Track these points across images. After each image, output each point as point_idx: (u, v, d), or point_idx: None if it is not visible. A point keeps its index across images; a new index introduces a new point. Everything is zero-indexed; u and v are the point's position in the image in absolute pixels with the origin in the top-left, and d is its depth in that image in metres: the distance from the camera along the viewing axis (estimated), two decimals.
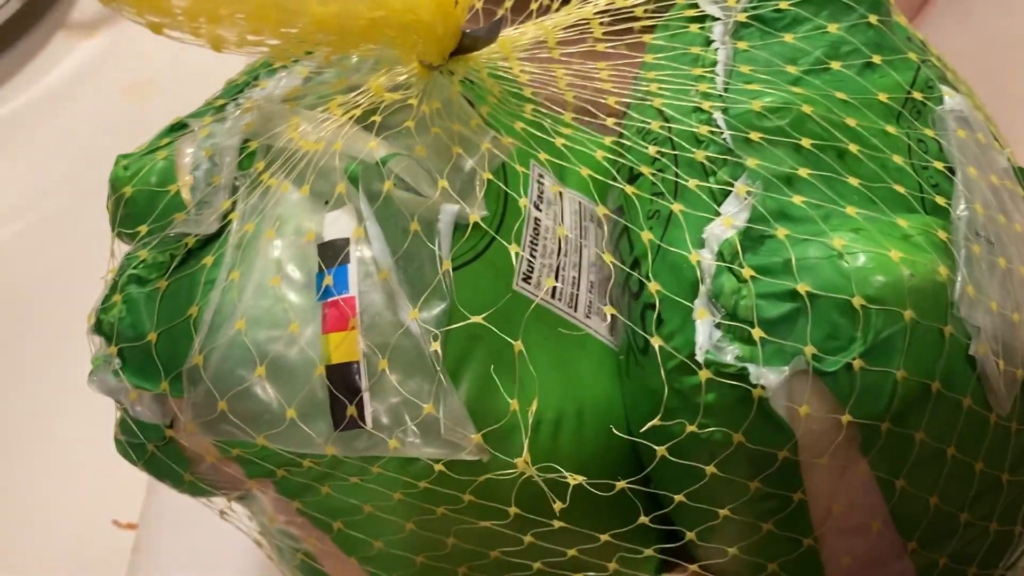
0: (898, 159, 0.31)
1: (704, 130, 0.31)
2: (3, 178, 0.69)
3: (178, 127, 0.36)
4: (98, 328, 0.33)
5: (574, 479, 0.30)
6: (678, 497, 0.31)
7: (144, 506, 0.52)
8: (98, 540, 0.53)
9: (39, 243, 0.66)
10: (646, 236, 0.31)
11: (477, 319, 0.30)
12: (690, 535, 0.32)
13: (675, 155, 0.32)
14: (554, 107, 0.34)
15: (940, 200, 0.31)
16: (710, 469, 0.30)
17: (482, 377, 0.31)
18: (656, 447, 0.30)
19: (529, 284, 0.34)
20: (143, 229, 0.33)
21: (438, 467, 0.30)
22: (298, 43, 0.28)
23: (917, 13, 0.59)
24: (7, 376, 0.60)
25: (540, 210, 0.35)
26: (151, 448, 0.33)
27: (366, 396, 0.30)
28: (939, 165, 0.32)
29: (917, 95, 0.33)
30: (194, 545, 0.50)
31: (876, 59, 0.33)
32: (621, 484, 0.30)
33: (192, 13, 0.26)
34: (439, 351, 0.30)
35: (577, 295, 0.35)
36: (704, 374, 0.29)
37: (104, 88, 0.71)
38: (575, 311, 0.35)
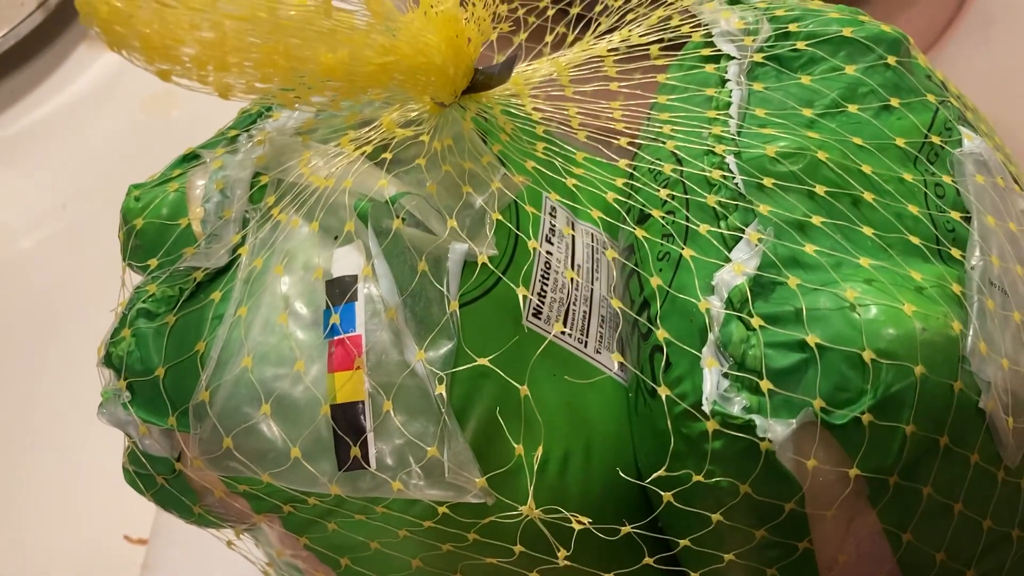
0: (914, 209, 0.31)
1: (716, 174, 0.31)
2: (24, 189, 0.69)
3: (190, 158, 0.36)
4: (108, 361, 0.33)
5: (578, 524, 0.30)
6: (683, 542, 0.30)
7: (155, 522, 0.52)
8: (109, 555, 0.53)
9: (59, 254, 0.66)
10: (655, 282, 0.31)
11: (484, 361, 0.30)
12: None
13: (686, 199, 0.31)
14: (566, 146, 0.34)
15: (955, 252, 0.30)
16: (716, 517, 0.29)
17: (488, 417, 0.31)
18: (663, 492, 0.30)
19: (539, 320, 0.34)
20: (153, 262, 0.34)
21: (442, 509, 0.30)
22: (306, 89, 0.28)
23: (938, 38, 0.58)
24: (24, 386, 0.60)
25: (552, 243, 0.35)
26: (160, 480, 0.33)
27: (370, 437, 0.30)
28: (956, 215, 0.31)
29: (935, 139, 0.33)
30: (204, 562, 0.50)
31: (894, 102, 0.33)
32: (626, 529, 0.30)
33: (200, 61, 0.26)
34: (444, 394, 0.30)
35: (587, 330, 0.35)
36: (711, 425, 0.29)
37: (125, 100, 0.72)
38: (585, 347, 0.35)
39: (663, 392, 0.30)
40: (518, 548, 0.30)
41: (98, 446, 0.56)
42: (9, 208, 0.69)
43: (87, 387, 0.57)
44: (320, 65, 0.26)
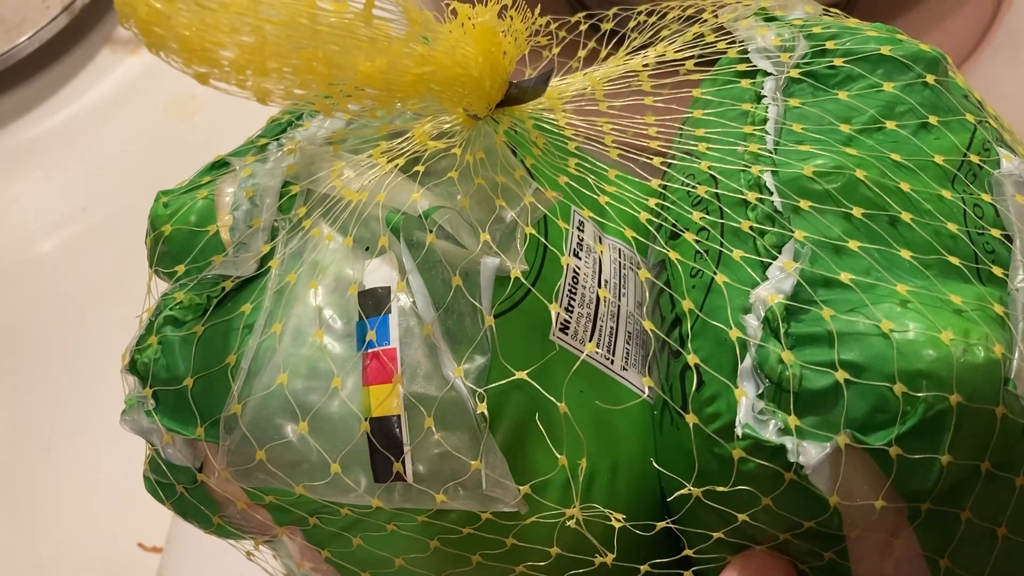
0: (952, 227, 0.30)
1: (752, 196, 0.31)
2: (45, 191, 0.70)
3: (219, 165, 0.35)
4: (132, 368, 0.33)
5: (617, 521, 0.30)
6: (716, 534, 0.30)
7: (170, 530, 0.52)
8: (123, 562, 0.53)
9: (79, 257, 0.66)
10: (687, 305, 0.31)
11: (521, 375, 0.30)
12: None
13: (721, 224, 0.31)
14: (598, 163, 0.33)
15: (996, 271, 0.30)
16: (742, 517, 0.29)
17: (518, 428, 0.31)
18: (692, 489, 0.30)
19: (566, 335, 0.33)
20: (180, 269, 0.33)
21: (485, 515, 0.30)
22: (343, 97, 0.28)
23: (968, 57, 0.58)
24: (40, 391, 0.60)
25: (579, 258, 0.35)
26: (180, 489, 0.33)
27: (407, 450, 0.29)
28: (996, 233, 0.31)
29: (974, 158, 0.32)
30: (219, 571, 0.50)
31: (932, 120, 0.32)
32: (662, 524, 0.30)
33: (239, 66, 0.26)
34: (485, 413, 0.29)
35: (614, 347, 0.35)
36: (743, 447, 0.28)
37: (147, 104, 0.72)
38: (612, 364, 0.35)
39: (691, 420, 0.29)
40: (555, 550, 0.30)
41: (114, 453, 0.55)
42: (30, 210, 0.69)
43: (104, 393, 0.57)
44: (358, 73, 0.26)
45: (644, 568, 0.31)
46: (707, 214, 0.31)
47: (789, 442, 0.28)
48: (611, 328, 0.35)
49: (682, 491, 0.30)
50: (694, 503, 0.30)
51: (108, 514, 0.54)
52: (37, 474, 0.57)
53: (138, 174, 0.68)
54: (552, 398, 0.30)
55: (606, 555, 0.30)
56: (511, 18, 0.31)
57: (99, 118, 0.72)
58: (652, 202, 0.32)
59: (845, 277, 0.29)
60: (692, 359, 0.30)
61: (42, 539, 0.54)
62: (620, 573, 0.31)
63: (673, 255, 0.32)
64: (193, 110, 0.71)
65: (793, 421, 0.27)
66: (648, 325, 0.31)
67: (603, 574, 0.31)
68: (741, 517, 0.29)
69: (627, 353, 0.35)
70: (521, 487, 0.30)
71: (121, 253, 0.65)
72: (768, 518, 0.29)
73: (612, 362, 0.35)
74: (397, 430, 0.29)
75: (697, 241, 0.31)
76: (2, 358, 0.62)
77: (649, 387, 0.34)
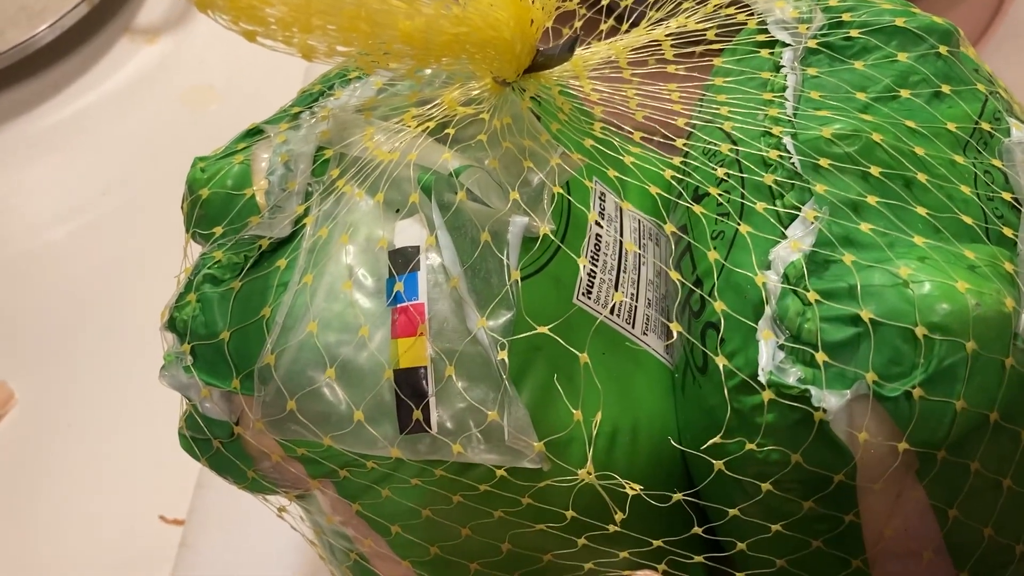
0: (965, 189, 0.31)
1: (773, 154, 0.32)
2: (65, 177, 0.71)
3: (254, 132, 0.36)
4: (171, 325, 0.34)
5: (632, 489, 0.30)
6: (732, 511, 0.31)
7: (192, 502, 0.53)
8: (145, 535, 0.53)
9: (98, 242, 0.67)
10: (712, 256, 0.32)
11: (543, 329, 0.31)
12: (741, 546, 0.32)
13: (742, 178, 0.32)
14: (623, 126, 0.35)
15: (1007, 231, 0.31)
16: (765, 486, 0.30)
17: (542, 387, 0.32)
18: (713, 461, 0.30)
19: (589, 298, 0.34)
20: (218, 230, 0.34)
21: (500, 472, 0.30)
22: (383, 55, 0.29)
23: (973, 45, 0.59)
24: (61, 373, 0.61)
25: (601, 226, 0.36)
26: (216, 444, 0.34)
27: (432, 401, 0.30)
28: (1006, 196, 0.32)
29: (985, 126, 0.33)
30: (241, 542, 0.51)
31: (945, 89, 0.33)
32: (677, 496, 0.31)
33: (286, 23, 0.27)
34: (506, 360, 0.30)
35: (635, 311, 0.36)
36: (766, 395, 0.29)
37: (164, 92, 0.73)
38: (632, 327, 0.36)
39: (720, 361, 0.30)
40: (570, 513, 0.31)
41: (135, 429, 0.57)
42: (49, 197, 0.70)
43: (125, 371, 0.58)
44: (399, 31, 0.27)
45: (656, 543, 0.31)
46: (730, 171, 0.32)
47: (813, 390, 0.29)
48: (632, 293, 0.36)
49: (711, 441, 0.30)
50: (717, 474, 0.30)
51: (130, 488, 0.55)
52: (60, 451, 0.57)
53: (156, 160, 0.69)
54: (574, 350, 0.31)
55: (617, 513, 0.30)
56: None
57: (117, 107, 0.73)
58: (677, 160, 0.33)
59: (865, 227, 0.30)
60: (719, 306, 0.31)
61: (66, 514, 0.55)
62: (635, 544, 0.31)
63: (698, 209, 0.33)
64: (210, 99, 0.72)
65: (821, 357, 0.28)
66: (675, 276, 0.32)
67: (619, 538, 0.31)
68: (765, 487, 0.30)
69: (647, 318, 0.36)
70: (535, 443, 0.30)
71: (138, 238, 0.66)
72: (796, 481, 0.30)
73: (633, 326, 0.36)
74: (424, 381, 0.30)
75: (720, 195, 0.32)
76: (24, 340, 0.63)
77: (666, 346, 0.35)
